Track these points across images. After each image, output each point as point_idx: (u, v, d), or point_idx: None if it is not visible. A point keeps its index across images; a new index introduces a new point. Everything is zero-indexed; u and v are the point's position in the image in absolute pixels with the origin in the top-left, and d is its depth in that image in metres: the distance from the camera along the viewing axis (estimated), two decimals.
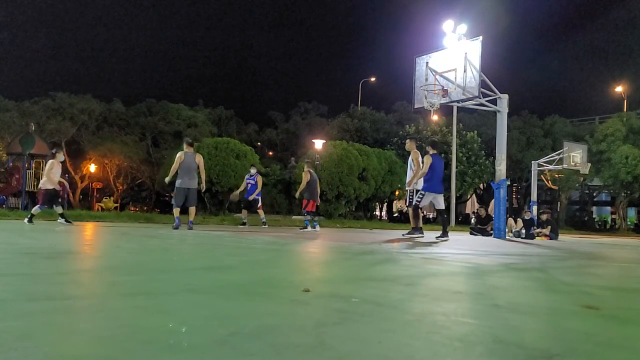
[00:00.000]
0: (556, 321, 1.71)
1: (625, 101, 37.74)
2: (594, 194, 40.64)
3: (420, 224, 8.81)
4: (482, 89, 11.18)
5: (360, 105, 36.34)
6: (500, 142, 11.94)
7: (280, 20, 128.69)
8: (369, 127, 32.27)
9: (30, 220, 8.90)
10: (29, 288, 2.00)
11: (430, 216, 31.82)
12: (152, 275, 2.58)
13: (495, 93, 11.67)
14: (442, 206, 8.63)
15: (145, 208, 32.87)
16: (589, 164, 22.06)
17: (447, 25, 11.45)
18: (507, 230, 12.65)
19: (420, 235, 8.45)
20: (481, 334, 1.42)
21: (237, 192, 13.31)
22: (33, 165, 20.91)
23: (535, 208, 19.20)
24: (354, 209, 25.41)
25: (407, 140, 9.08)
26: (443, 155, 26.80)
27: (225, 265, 3.28)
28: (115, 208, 28.99)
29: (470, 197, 36.96)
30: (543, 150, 29.25)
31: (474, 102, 11.74)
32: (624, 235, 26.86)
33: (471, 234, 13.84)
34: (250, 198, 12.87)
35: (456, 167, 25.88)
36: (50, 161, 9.49)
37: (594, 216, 43.05)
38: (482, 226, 14.06)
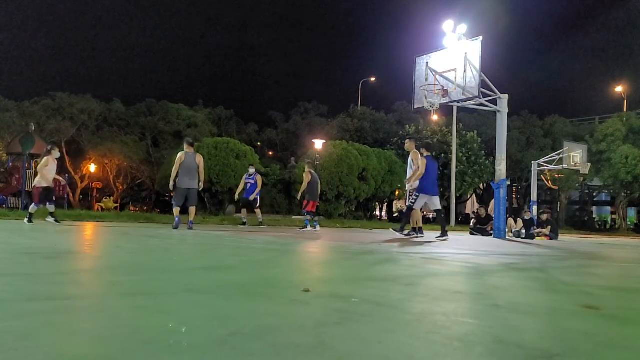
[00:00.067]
0: (556, 321, 1.71)
1: (625, 101, 37.78)
2: (594, 194, 40.64)
3: (421, 224, 8.82)
4: (482, 89, 11.18)
5: (360, 105, 36.36)
6: (500, 142, 11.94)
7: (280, 20, 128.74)
8: (369, 127, 32.27)
9: (30, 220, 8.88)
10: (29, 288, 2.00)
11: (430, 216, 31.80)
12: (152, 275, 2.58)
13: (495, 93, 11.68)
14: (438, 207, 8.64)
15: (145, 208, 32.87)
16: (589, 164, 22.06)
17: (447, 25, 11.45)
18: (507, 230, 12.65)
19: (418, 235, 8.46)
20: (481, 334, 1.42)
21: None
22: (33, 165, 20.87)
23: (535, 208, 19.20)
24: (354, 209, 25.41)
25: (407, 141, 9.08)
26: (443, 155, 27.06)
27: (225, 265, 3.28)
28: (115, 208, 28.99)
29: (470, 197, 36.94)
30: (543, 150, 29.25)
31: (474, 102, 11.74)
32: (624, 235, 26.86)
33: (471, 234, 13.85)
34: (251, 198, 12.87)
35: (456, 167, 25.88)
36: (45, 157, 9.36)
37: (594, 216, 43.04)
38: (482, 226, 14.06)
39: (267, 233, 8.56)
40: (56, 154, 9.48)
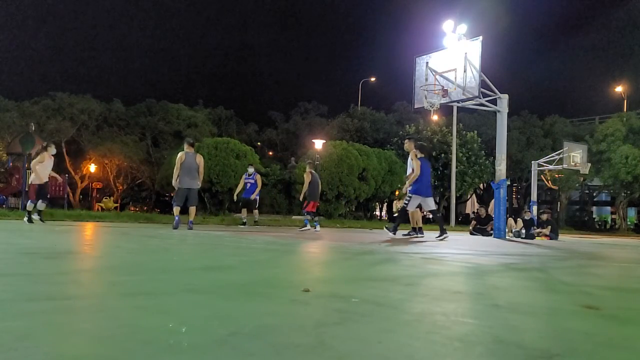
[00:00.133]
0: (556, 321, 1.71)
1: (625, 101, 37.79)
2: (594, 194, 40.65)
3: (420, 224, 8.82)
4: (482, 89, 11.18)
5: (360, 105, 36.37)
6: (500, 142, 11.94)
7: (280, 20, 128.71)
8: (369, 127, 32.27)
9: (29, 220, 8.87)
10: (29, 288, 2.00)
11: (431, 216, 31.81)
12: (152, 275, 2.58)
13: (495, 93, 11.68)
14: (432, 207, 8.66)
15: (145, 208, 32.87)
16: (589, 164, 22.06)
17: (447, 25, 11.44)
18: (507, 230, 12.65)
19: (418, 235, 8.46)
20: (481, 334, 1.42)
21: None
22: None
23: (535, 208, 19.20)
24: (354, 209, 25.41)
25: (406, 141, 9.07)
26: (443, 155, 27.07)
27: (225, 265, 3.28)
28: (115, 208, 28.99)
29: (470, 197, 36.94)
30: (543, 150, 29.26)
31: (474, 102, 11.74)
32: (624, 235, 26.86)
33: (471, 234, 13.85)
34: (252, 197, 12.86)
35: (456, 167, 25.88)
36: (41, 154, 9.25)
37: (594, 216, 43.04)
38: (482, 226, 14.06)
39: (267, 233, 8.56)
40: (52, 150, 9.36)
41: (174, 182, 9.20)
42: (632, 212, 43.73)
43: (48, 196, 9.62)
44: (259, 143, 36.95)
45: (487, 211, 15.51)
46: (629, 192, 32.85)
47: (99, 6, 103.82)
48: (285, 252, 4.65)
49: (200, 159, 9.25)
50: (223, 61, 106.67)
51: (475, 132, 28.58)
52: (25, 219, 8.98)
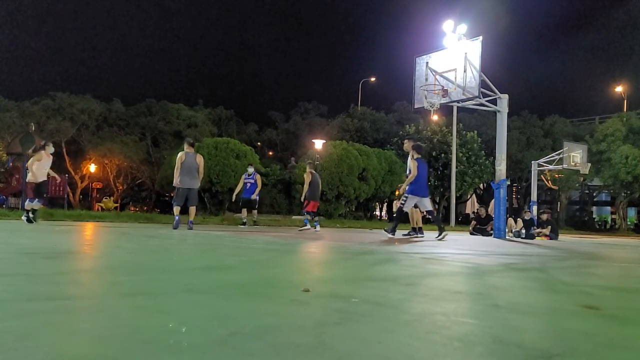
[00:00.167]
0: (556, 321, 1.71)
1: (625, 101, 37.77)
2: (594, 194, 40.65)
3: (420, 224, 8.84)
4: (482, 89, 11.18)
5: (360, 105, 36.35)
6: (500, 142, 11.94)
7: (280, 20, 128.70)
8: (369, 127, 32.26)
9: (29, 220, 8.87)
10: (29, 288, 2.00)
11: (430, 216, 31.82)
12: (152, 275, 2.58)
13: (495, 93, 11.68)
14: (429, 207, 8.66)
15: (145, 208, 32.86)
16: (589, 164, 22.06)
17: (447, 25, 11.45)
18: (507, 230, 12.65)
19: (418, 235, 8.47)
20: (481, 334, 1.42)
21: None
22: None
23: (535, 208, 19.20)
24: (354, 209, 25.41)
25: (406, 141, 9.07)
26: (443, 155, 27.06)
27: (225, 265, 3.28)
28: (115, 208, 28.98)
29: (470, 197, 36.94)
30: (543, 150, 29.25)
31: (474, 102, 11.74)
32: (624, 235, 26.86)
33: (471, 234, 13.85)
34: (253, 197, 12.86)
35: (456, 167, 25.88)
36: (38, 152, 9.18)
37: (594, 216, 43.05)
38: (482, 226, 14.06)
39: (267, 233, 8.56)
40: (50, 149, 9.29)
41: (175, 181, 9.19)
42: (632, 212, 43.73)
43: (45, 195, 9.55)
44: (259, 143, 36.94)
45: (487, 211, 15.51)
46: (629, 192, 32.85)
47: (99, 6, 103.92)
48: (285, 252, 4.65)
49: (200, 159, 9.26)
50: (223, 61, 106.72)
51: (475, 132, 28.58)
52: (24, 217, 8.97)
